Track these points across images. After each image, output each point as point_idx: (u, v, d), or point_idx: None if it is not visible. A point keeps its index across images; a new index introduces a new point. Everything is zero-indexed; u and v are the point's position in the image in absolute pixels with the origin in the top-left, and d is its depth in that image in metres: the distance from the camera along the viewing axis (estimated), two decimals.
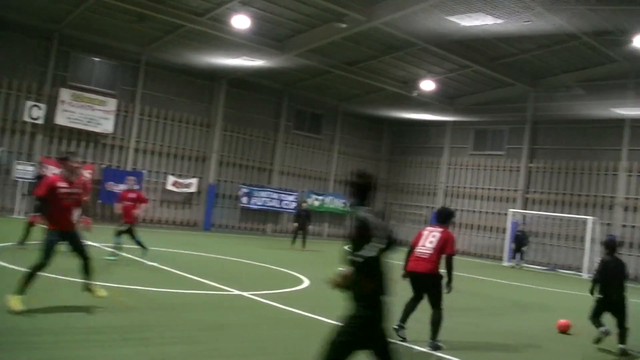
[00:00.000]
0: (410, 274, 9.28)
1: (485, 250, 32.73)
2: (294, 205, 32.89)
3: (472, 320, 11.96)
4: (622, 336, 10.14)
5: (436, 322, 8.93)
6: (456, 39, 25.02)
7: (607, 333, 10.29)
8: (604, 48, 25.03)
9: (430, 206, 35.57)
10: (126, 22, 24.78)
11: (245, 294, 11.88)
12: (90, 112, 26.33)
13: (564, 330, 11.57)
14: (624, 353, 9.97)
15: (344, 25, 23.15)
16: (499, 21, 21.53)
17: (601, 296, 10.39)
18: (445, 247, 9.30)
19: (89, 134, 26.87)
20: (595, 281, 10.52)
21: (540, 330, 11.78)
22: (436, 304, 9.06)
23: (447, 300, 13.86)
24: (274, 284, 13.93)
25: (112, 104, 27.03)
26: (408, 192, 37.07)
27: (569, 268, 28.07)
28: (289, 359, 7.58)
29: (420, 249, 9.29)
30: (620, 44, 23.96)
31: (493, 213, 32.82)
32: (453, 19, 21.78)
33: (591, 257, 27.21)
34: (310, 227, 28.94)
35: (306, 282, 14.71)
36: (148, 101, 28.59)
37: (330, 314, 10.50)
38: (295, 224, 25.41)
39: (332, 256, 24.38)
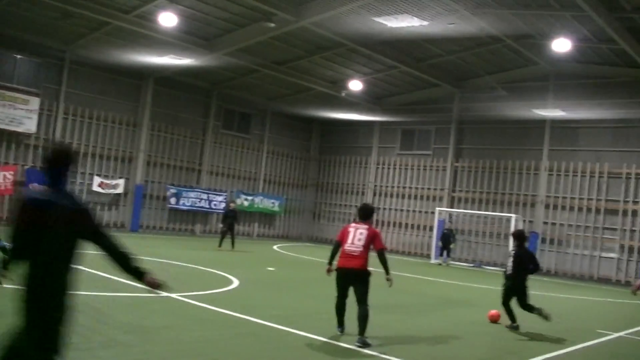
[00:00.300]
0: (341, 270, 9.50)
1: (413, 248, 33.26)
2: (223, 205, 32.67)
3: (400, 317, 12.18)
4: (531, 310, 11.88)
5: (364, 318, 9.08)
6: (383, 40, 25.35)
7: (516, 328, 11.71)
8: (525, 51, 25.87)
9: (359, 205, 35.83)
10: (50, 18, 24.12)
11: (173, 295, 11.76)
12: (12, 111, 25.48)
13: (495, 320, 12.45)
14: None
15: (272, 25, 23.14)
16: (425, 23, 21.92)
17: (509, 283, 11.98)
18: (374, 243, 9.61)
19: (10, 133, 26.00)
20: (510, 277, 11.98)
21: (464, 325, 12.09)
22: (363, 300, 9.27)
23: (375, 297, 14.08)
24: (203, 285, 13.85)
25: (35, 102, 26.22)
26: (337, 191, 37.32)
27: (494, 265, 28.80)
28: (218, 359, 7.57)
29: (350, 246, 9.48)
30: (541, 47, 24.83)
31: (420, 212, 33.38)
32: (380, 20, 22.06)
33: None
34: (239, 228, 28.93)
35: (235, 283, 14.68)
36: (73, 100, 27.88)
37: (260, 313, 10.54)
38: (221, 225, 25.32)
39: (261, 256, 24.42)
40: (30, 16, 23.98)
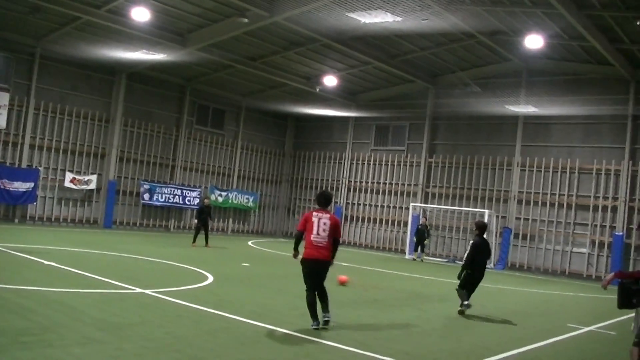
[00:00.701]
0: (310, 262, 9.91)
1: (388, 244, 33.38)
2: (197, 201, 32.54)
3: (373, 312, 12.22)
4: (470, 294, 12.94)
5: (326, 296, 10.03)
6: (357, 36, 25.40)
7: (468, 306, 12.79)
8: (498, 47, 26.06)
9: (334, 201, 35.93)
10: (20, 13, 23.76)
11: (147, 291, 11.70)
12: None
13: (343, 283, 15.04)
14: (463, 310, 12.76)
15: (246, 20, 23.06)
16: (398, 19, 21.96)
17: (469, 271, 12.97)
18: (336, 233, 10.14)
19: None
20: (467, 265, 12.99)
21: (438, 319, 12.18)
22: (322, 284, 10.02)
23: (349, 293, 14.15)
24: (177, 281, 13.78)
25: (4, 98, 25.82)
26: (312, 187, 37.30)
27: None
28: (193, 356, 7.51)
29: (316, 237, 9.90)
30: (513, 43, 25.04)
31: (395, 207, 33.50)
32: (353, 15, 22.07)
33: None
34: (213, 224, 28.75)
35: (210, 279, 14.63)
36: (44, 95, 27.53)
37: (235, 309, 10.52)
38: (196, 221, 25.21)
39: (236, 252, 24.36)
40: (0, 11, 23.63)
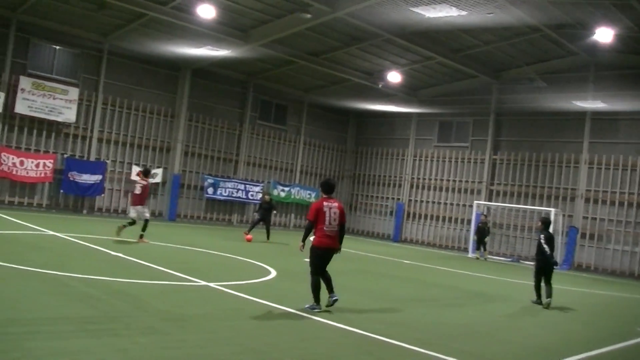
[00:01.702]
0: (326, 250, 10.41)
1: (450, 242, 33.03)
2: (260, 196, 32.82)
3: (434, 311, 12.08)
4: (549, 291, 13.74)
5: (331, 278, 10.45)
6: (420, 30, 25.13)
7: (540, 304, 13.85)
8: (565, 41, 25.40)
9: (395, 198, 35.77)
10: (87, 9, 24.38)
11: (211, 284, 11.83)
12: (52, 101, 25.87)
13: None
14: (549, 304, 13.55)
15: (308, 16, 23.09)
16: (463, 13, 21.67)
17: (541, 265, 14.13)
18: (343, 219, 10.63)
19: (50, 123, 26.42)
20: (544, 253, 14.03)
21: (500, 320, 11.96)
22: (326, 268, 10.54)
23: (409, 290, 14.03)
24: (240, 275, 13.90)
25: (74, 93, 26.58)
26: (373, 183, 37.20)
27: (533, 259, 28.39)
28: (255, 350, 7.54)
29: (329, 227, 10.38)
30: (581, 36, 24.34)
31: (458, 205, 33.10)
32: (417, 10, 21.86)
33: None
34: (275, 219, 28.85)
35: (273, 273, 14.69)
36: (111, 90, 28.19)
37: (297, 305, 10.52)
38: (255, 214, 25.37)
39: (298, 247, 24.41)
40: (68, 8, 24.30)
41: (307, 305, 10.25)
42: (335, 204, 10.55)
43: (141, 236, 17.91)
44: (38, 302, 8.70)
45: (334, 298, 10.28)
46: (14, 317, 7.69)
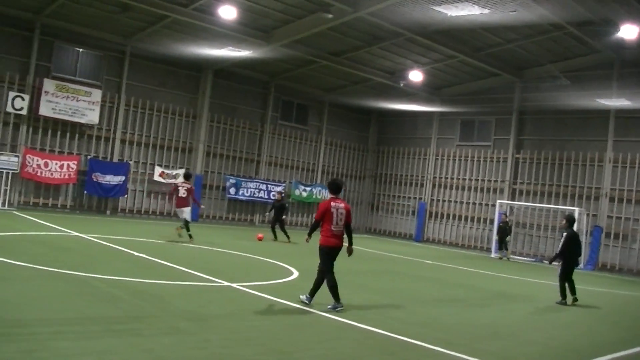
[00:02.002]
0: (333, 249, 10.69)
1: (473, 241, 32.85)
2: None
3: (456, 311, 12.03)
4: (572, 288, 14.30)
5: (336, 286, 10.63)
6: (442, 29, 25.02)
7: (565, 304, 14.10)
8: (588, 38, 25.11)
9: (417, 197, 35.66)
10: (109, 12, 24.58)
11: (234, 285, 11.87)
12: (75, 103, 26.11)
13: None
14: (575, 300, 14.19)
15: (330, 16, 23.08)
16: (485, 11, 21.53)
17: (566, 263, 14.40)
18: (349, 219, 10.89)
19: (74, 125, 26.67)
20: (562, 253, 14.46)
21: (523, 320, 11.87)
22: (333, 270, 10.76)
23: (432, 291, 13.99)
24: (263, 275, 13.94)
25: (97, 95, 26.81)
26: (395, 182, 37.10)
27: (554, 260, 28.13)
28: (278, 350, 7.56)
29: (335, 227, 10.65)
30: (605, 34, 24.06)
31: (480, 204, 32.90)
32: (439, 8, 21.76)
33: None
34: (291, 219, 28.73)
35: (295, 274, 14.71)
36: (134, 92, 28.40)
37: (320, 305, 10.53)
38: (267, 214, 25.41)
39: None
40: (91, 11, 24.51)
41: (329, 306, 10.32)
42: (342, 205, 10.80)
43: (190, 236, 19.43)
44: (64, 302, 8.79)
45: (307, 300, 10.64)
46: (41, 317, 7.78)
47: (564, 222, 15.06)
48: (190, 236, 19.28)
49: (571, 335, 10.85)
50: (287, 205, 26.07)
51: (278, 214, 24.38)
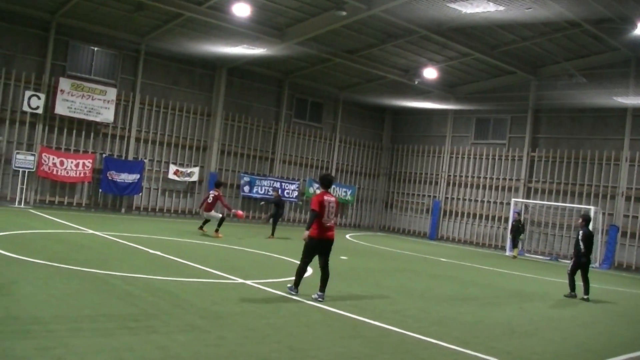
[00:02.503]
0: (323, 241, 10.99)
1: (488, 240, 32.71)
2: (296, 194, 33.01)
3: (472, 309, 11.96)
4: (586, 288, 14.68)
5: (329, 277, 10.99)
6: (456, 27, 24.92)
7: (574, 297, 14.79)
8: (605, 36, 24.94)
9: (432, 195, 35.55)
10: (124, 11, 24.69)
11: (248, 282, 11.88)
12: (91, 102, 26.24)
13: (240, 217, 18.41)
14: (587, 300, 14.51)
15: (344, 13, 23.04)
16: (501, 8, 21.42)
17: (578, 260, 14.99)
18: (337, 212, 11.50)
19: (89, 123, 26.81)
20: (589, 251, 15.03)
21: (539, 318, 11.79)
22: (327, 263, 11.09)
23: (447, 289, 13.93)
24: (277, 273, 13.94)
25: (112, 93, 26.94)
26: (410, 181, 37.02)
27: (571, 258, 27.91)
28: (293, 348, 7.55)
29: (327, 220, 10.98)
30: (622, 31, 23.88)
31: (495, 202, 32.76)
32: (454, 6, 21.68)
33: (594, 248, 27.15)
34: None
35: (309, 271, 14.68)
36: (148, 90, 28.50)
37: (334, 302, 10.52)
38: (268, 214, 25.48)
39: (334, 245, 24.35)
40: (106, 10, 24.65)
41: (289, 285, 11.14)
42: (333, 199, 11.17)
43: (216, 230, 21.30)
44: (80, 300, 8.82)
45: (320, 299, 10.72)
46: (58, 315, 7.81)
47: (581, 221, 15.43)
48: (216, 230, 21.26)
49: (588, 334, 10.77)
50: (283, 201, 26.19)
51: (277, 210, 24.30)
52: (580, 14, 22.43)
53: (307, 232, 10.97)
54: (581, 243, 14.95)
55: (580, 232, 15.14)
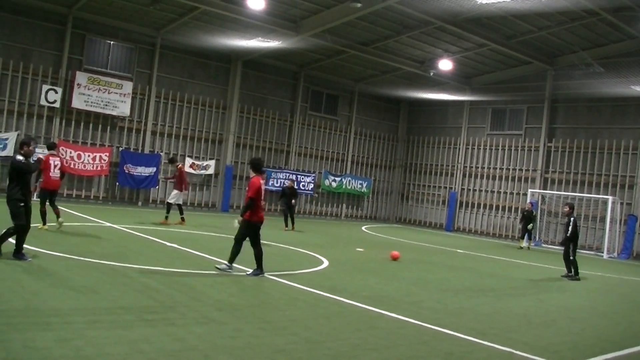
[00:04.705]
0: (260, 223, 11.71)
1: (504, 231, 32.58)
2: (312, 186, 33.02)
3: (490, 301, 11.93)
4: (577, 269, 16.59)
5: (262, 256, 11.72)
6: (472, 17, 24.78)
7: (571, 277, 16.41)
8: (623, 24, 24.67)
9: (448, 187, 35.45)
10: (140, 4, 24.77)
11: (265, 274, 11.91)
12: (107, 96, 26.38)
13: (395, 258, 16.64)
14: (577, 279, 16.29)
15: (359, 5, 22.97)
16: None
17: (570, 243, 16.45)
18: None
19: (105, 117, 26.96)
20: (575, 236, 16.58)
21: (557, 310, 11.73)
22: (258, 241, 11.81)
23: (464, 280, 13.90)
24: (293, 265, 13.96)
25: (128, 87, 27.06)
26: (425, 172, 36.93)
27: (589, 249, 27.86)
28: (310, 339, 7.57)
29: (263, 202, 11.84)
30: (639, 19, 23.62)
31: (512, 193, 32.62)
32: None
33: (611, 238, 27.00)
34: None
35: (325, 263, 14.72)
36: (164, 84, 28.60)
37: (350, 294, 10.53)
38: (280, 203, 25.38)
39: (350, 237, 24.43)
40: (122, 4, 24.73)
41: (249, 272, 11.66)
42: (263, 182, 11.93)
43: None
44: (99, 292, 8.88)
45: (260, 274, 11.56)
46: (77, 307, 7.87)
47: (568, 208, 17.03)
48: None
49: (606, 325, 10.71)
50: (297, 192, 26.21)
51: (289, 200, 24.32)
52: (598, 2, 22.21)
53: (240, 218, 11.59)
54: (569, 228, 16.45)
55: (572, 219, 16.59)
